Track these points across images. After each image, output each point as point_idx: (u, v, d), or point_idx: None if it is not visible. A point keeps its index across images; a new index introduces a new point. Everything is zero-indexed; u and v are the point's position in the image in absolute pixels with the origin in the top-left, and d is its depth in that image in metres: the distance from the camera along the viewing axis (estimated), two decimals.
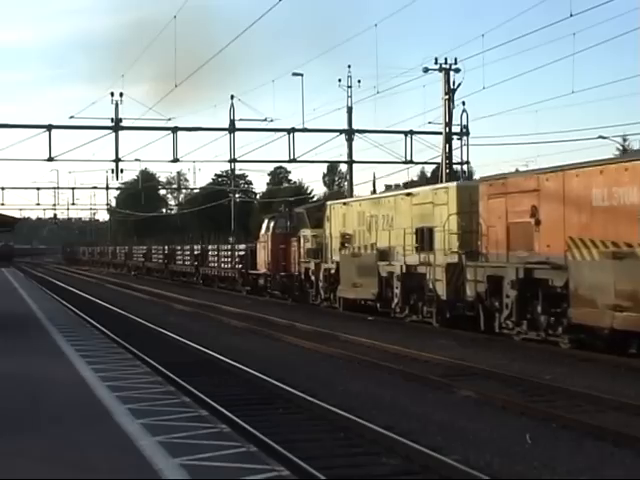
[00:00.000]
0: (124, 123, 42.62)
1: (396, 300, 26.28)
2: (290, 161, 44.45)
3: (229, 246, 47.83)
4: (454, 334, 22.55)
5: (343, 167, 73.59)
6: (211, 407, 12.30)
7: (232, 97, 44.52)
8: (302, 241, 34.09)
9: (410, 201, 26.40)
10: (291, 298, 35.38)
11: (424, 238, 25.16)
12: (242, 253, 42.87)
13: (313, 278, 32.76)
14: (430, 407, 13.25)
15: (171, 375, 15.14)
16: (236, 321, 27.38)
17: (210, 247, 51.78)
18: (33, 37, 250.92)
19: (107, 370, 14.46)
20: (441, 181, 40.21)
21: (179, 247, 59.22)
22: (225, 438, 9.59)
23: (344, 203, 32.03)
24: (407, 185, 36.28)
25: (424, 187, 29.37)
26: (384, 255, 27.28)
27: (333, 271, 30.93)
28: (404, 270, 25.75)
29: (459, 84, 39.34)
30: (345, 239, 30.34)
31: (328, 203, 33.18)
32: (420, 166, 62.65)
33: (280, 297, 36.90)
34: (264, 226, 38.89)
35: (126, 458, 8.61)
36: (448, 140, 40.48)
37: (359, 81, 44.00)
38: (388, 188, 31.71)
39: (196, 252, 53.96)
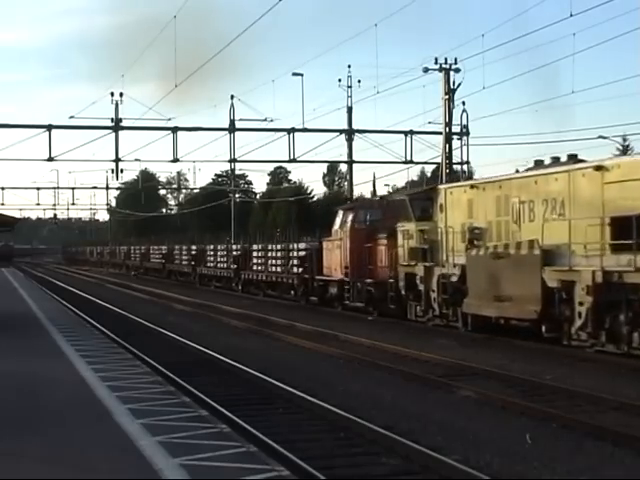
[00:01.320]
0: (124, 123, 42.73)
1: (580, 322, 18.35)
2: (290, 161, 44.50)
3: (278, 246, 39.29)
4: (454, 334, 22.55)
5: (343, 167, 73.83)
6: (211, 407, 12.30)
7: (232, 97, 44.64)
8: (401, 238, 26.21)
9: (601, 178, 18.50)
10: (376, 312, 28.01)
11: (629, 231, 17.25)
12: (302, 254, 34.92)
13: (421, 287, 24.61)
14: (430, 407, 13.24)
15: (171, 375, 15.14)
16: (236, 321, 27.38)
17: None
18: (33, 37, 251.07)
19: (107, 370, 14.45)
20: (441, 181, 40.30)
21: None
22: (225, 438, 9.59)
23: (471, 186, 23.91)
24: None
25: (626, 157, 22.70)
26: (550, 257, 19.56)
27: (455, 278, 23.21)
28: (598, 279, 17.87)
29: (459, 84, 39.34)
30: (474, 234, 22.79)
31: (442, 187, 25.38)
32: (420, 166, 62.90)
33: (361, 310, 28.75)
34: (337, 220, 31.17)
35: (126, 458, 8.60)
36: (448, 140, 40.47)
37: (359, 81, 44.08)
38: (538, 164, 22.10)
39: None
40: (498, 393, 13.89)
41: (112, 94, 42.14)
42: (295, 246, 36.49)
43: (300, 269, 34.90)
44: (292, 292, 36.38)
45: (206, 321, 28.59)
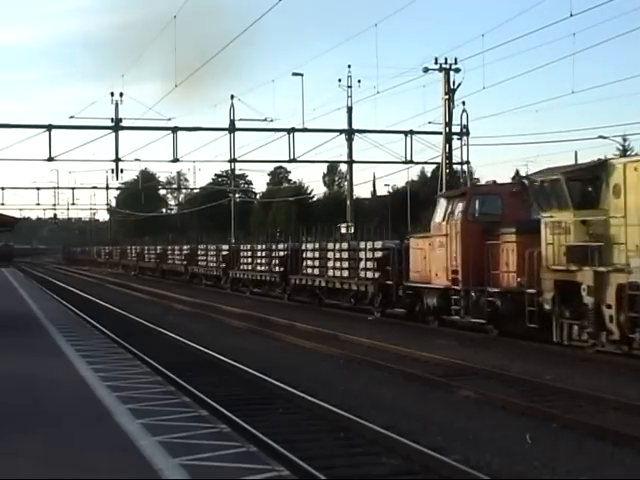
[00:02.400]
0: (124, 123, 42.72)
1: None
2: (290, 161, 44.51)
3: (343, 245, 32.54)
4: (454, 334, 22.55)
5: (343, 167, 73.79)
6: (211, 407, 12.29)
7: (232, 97, 44.65)
8: (548, 233, 19.62)
9: None
10: (497, 330, 21.84)
11: None
12: (379, 255, 28.53)
13: (588, 301, 18.09)
14: (430, 407, 13.24)
15: (171, 375, 15.13)
16: (236, 321, 27.37)
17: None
18: (33, 37, 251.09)
19: (107, 370, 14.45)
20: (441, 181, 40.30)
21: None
22: (225, 438, 9.59)
23: None
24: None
25: None
26: None
27: None
28: None
29: (459, 84, 39.39)
30: None
31: (618, 162, 18.98)
32: (420, 166, 62.91)
33: (475, 328, 22.57)
34: (439, 211, 24.48)
35: (126, 458, 8.60)
36: (448, 140, 40.49)
37: (359, 81, 44.09)
38: None
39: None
40: (498, 393, 13.89)
41: (112, 94, 42.20)
42: (367, 245, 29.78)
43: (378, 273, 28.09)
44: (352, 300, 30.63)
45: (206, 321, 28.57)
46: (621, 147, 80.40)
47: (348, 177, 49.06)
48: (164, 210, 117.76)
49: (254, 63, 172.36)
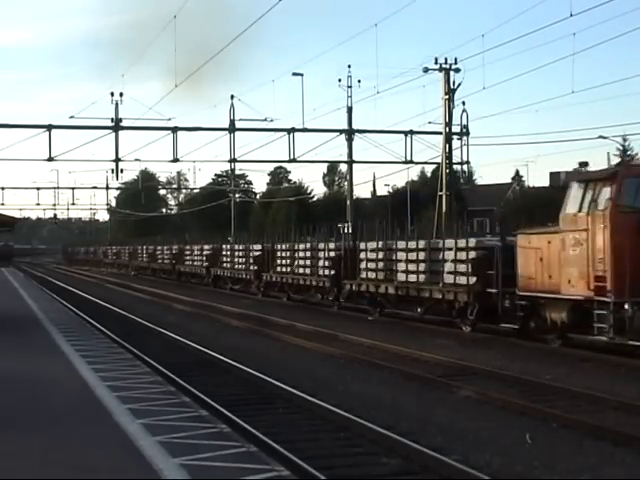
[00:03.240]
0: (124, 123, 42.73)
1: None
2: (290, 161, 44.53)
3: (418, 243, 26.69)
4: (454, 334, 22.55)
5: (343, 167, 73.84)
6: (211, 407, 12.29)
7: (232, 97, 44.67)
8: None
9: None
10: None
11: None
12: (474, 255, 23.40)
13: None
14: (430, 407, 13.24)
15: (171, 375, 15.13)
16: (236, 321, 27.36)
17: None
18: (33, 37, 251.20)
19: (107, 370, 14.44)
20: (441, 181, 40.31)
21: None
22: (225, 438, 9.58)
23: None
24: None
25: None
26: None
27: None
28: None
29: (459, 84, 39.45)
30: None
31: None
32: (420, 166, 62.90)
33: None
34: (572, 199, 19.23)
35: (126, 458, 8.60)
36: (448, 140, 40.52)
37: (359, 81, 44.10)
38: None
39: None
40: (498, 393, 13.89)
41: (112, 94, 42.20)
42: (456, 243, 24.21)
43: (472, 279, 22.88)
44: (420, 310, 26.16)
45: (206, 321, 28.57)
46: (621, 147, 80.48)
47: (348, 177, 49.06)
48: (164, 210, 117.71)
49: (254, 63, 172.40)
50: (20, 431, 9.82)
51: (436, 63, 39.29)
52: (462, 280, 23.37)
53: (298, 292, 36.15)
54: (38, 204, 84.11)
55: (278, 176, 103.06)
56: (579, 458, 10.07)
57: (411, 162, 46.01)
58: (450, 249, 24.34)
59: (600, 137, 48.13)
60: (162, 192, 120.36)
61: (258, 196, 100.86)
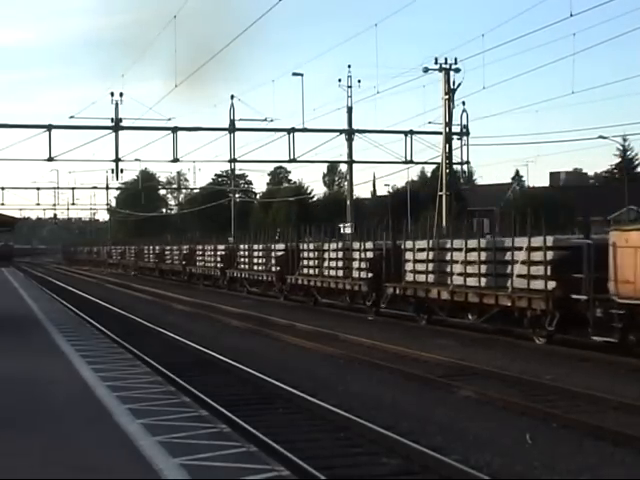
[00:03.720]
0: (124, 123, 42.71)
1: None
2: (290, 161, 44.52)
3: (475, 242, 23.86)
4: (454, 334, 22.54)
5: (343, 167, 73.86)
6: (211, 407, 12.30)
7: (232, 97, 44.67)
8: None
9: None
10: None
11: None
12: (554, 256, 20.59)
13: None
14: (430, 407, 13.24)
15: (171, 375, 15.13)
16: (236, 321, 27.36)
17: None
18: (33, 37, 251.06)
19: (107, 370, 14.44)
20: (441, 181, 40.31)
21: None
22: (225, 438, 9.58)
23: None
24: None
25: None
26: None
27: None
28: None
29: (459, 84, 39.45)
30: None
31: None
32: (420, 166, 62.92)
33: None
34: None
35: (126, 458, 8.60)
36: (448, 140, 40.52)
37: (359, 81, 44.09)
38: None
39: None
40: (498, 393, 13.89)
41: (112, 94, 42.19)
42: (530, 241, 21.20)
43: (551, 283, 20.16)
44: (470, 316, 23.54)
45: (206, 321, 28.57)
46: (621, 147, 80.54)
47: (348, 177, 49.05)
48: (164, 210, 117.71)
49: (254, 63, 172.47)
50: (20, 431, 9.82)
51: (436, 63, 39.31)
52: (538, 285, 20.56)
53: (327, 296, 33.03)
54: (38, 204, 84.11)
55: (278, 176, 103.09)
56: (579, 458, 10.08)
57: (411, 162, 46.01)
58: (520, 249, 21.47)
59: (600, 137, 48.12)
60: (162, 192, 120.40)
61: (258, 196, 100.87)
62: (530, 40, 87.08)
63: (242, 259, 43.17)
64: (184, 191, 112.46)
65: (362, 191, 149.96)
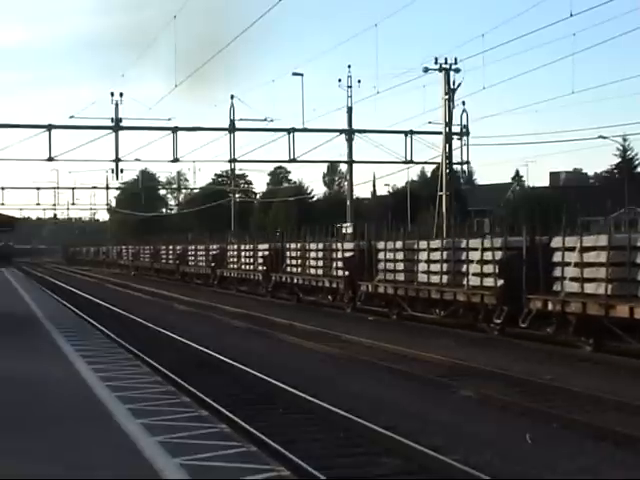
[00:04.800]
0: (124, 123, 42.69)
1: None
2: (290, 161, 44.51)
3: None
4: (454, 334, 22.53)
5: (343, 167, 73.73)
6: (211, 407, 12.30)
7: (232, 97, 44.68)
8: None
9: None
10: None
11: None
12: None
13: None
14: (430, 407, 13.24)
15: (171, 375, 15.13)
16: (237, 321, 27.36)
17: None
18: (33, 37, 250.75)
19: (107, 370, 14.43)
20: (441, 181, 40.29)
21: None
22: (225, 438, 9.58)
23: None
24: None
25: None
26: None
27: None
28: None
29: (459, 84, 39.43)
30: None
31: None
32: (420, 166, 62.91)
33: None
34: None
35: (126, 458, 8.60)
36: (448, 140, 40.50)
37: (359, 81, 44.05)
38: None
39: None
40: (498, 393, 13.89)
41: (112, 94, 42.18)
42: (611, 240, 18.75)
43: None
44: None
45: (206, 321, 28.57)
46: (621, 147, 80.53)
47: (348, 177, 49.03)
48: (164, 210, 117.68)
49: (254, 63, 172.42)
50: (20, 431, 9.81)
51: (436, 63, 39.28)
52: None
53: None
54: (38, 204, 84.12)
55: (278, 176, 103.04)
56: (580, 458, 10.07)
57: (411, 162, 46.00)
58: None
59: (600, 137, 48.16)
60: (162, 192, 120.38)
61: (258, 196, 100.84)
62: (530, 40, 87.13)
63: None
64: (184, 191, 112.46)
65: (362, 191, 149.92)
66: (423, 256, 25.64)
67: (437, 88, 40.13)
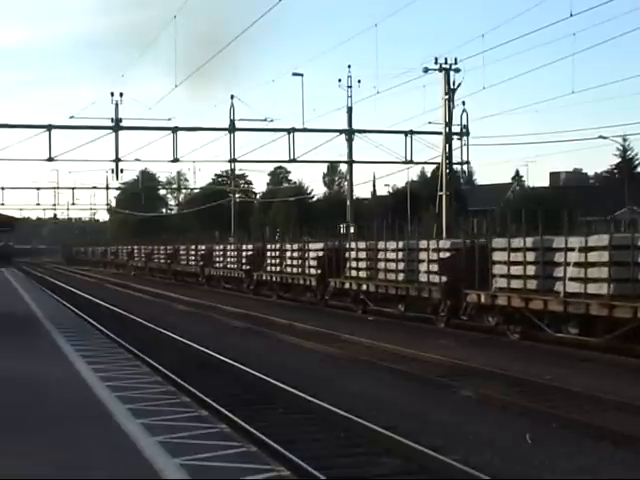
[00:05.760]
0: (124, 123, 42.70)
1: None
2: (290, 161, 44.51)
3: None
4: (454, 334, 22.55)
5: (343, 167, 73.76)
6: (211, 407, 12.30)
7: (232, 97, 44.68)
8: None
9: None
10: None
11: None
12: None
13: None
14: (430, 407, 13.24)
15: (171, 375, 15.13)
16: (236, 321, 27.37)
17: None
18: (33, 37, 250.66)
19: (107, 370, 14.44)
20: (441, 181, 40.30)
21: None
22: (225, 438, 9.58)
23: None
24: None
25: None
26: None
27: None
28: None
29: (459, 84, 39.43)
30: None
31: None
32: (420, 166, 62.88)
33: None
34: None
35: (126, 458, 8.60)
36: (448, 140, 40.49)
37: (359, 81, 44.05)
38: None
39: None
40: (498, 393, 13.89)
41: (112, 94, 42.20)
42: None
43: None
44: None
45: (206, 321, 28.57)
46: (621, 147, 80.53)
47: (348, 177, 49.03)
48: (164, 210, 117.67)
49: (254, 63, 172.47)
50: (20, 431, 9.82)
51: (436, 63, 39.28)
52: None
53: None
54: (38, 204, 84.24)
55: (278, 176, 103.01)
56: (579, 458, 10.08)
57: (411, 162, 46.00)
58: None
59: (600, 137, 48.13)
60: (162, 192, 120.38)
61: (258, 196, 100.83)
62: (530, 40, 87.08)
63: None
64: (184, 191, 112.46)
65: (362, 191, 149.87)
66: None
67: (437, 88, 40.17)
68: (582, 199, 54.97)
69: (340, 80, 44.26)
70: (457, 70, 39.38)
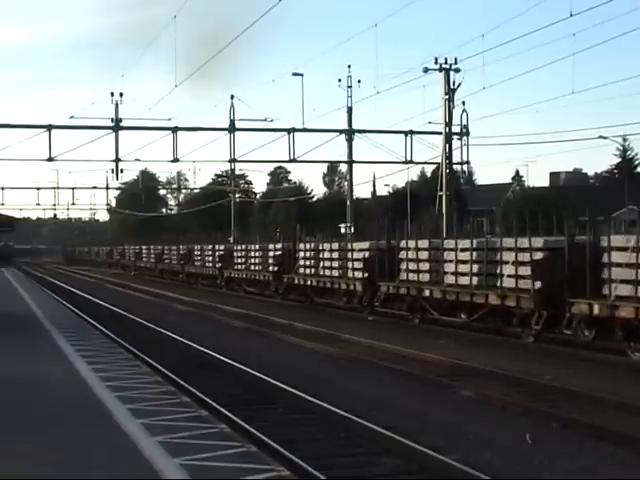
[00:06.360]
0: (124, 123, 42.68)
1: None
2: (290, 161, 44.48)
3: None
4: (454, 334, 22.54)
5: (343, 167, 73.70)
6: (211, 407, 12.30)
7: (232, 97, 44.66)
8: None
9: None
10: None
11: None
12: None
13: None
14: (430, 407, 13.24)
15: (171, 375, 15.13)
16: (236, 321, 27.37)
17: None
18: (33, 37, 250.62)
19: (107, 370, 14.44)
20: (441, 181, 40.30)
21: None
22: (225, 438, 9.58)
23: None
24: None
25: None
26: None
27: None
28: None
29: (459, 84, 39.42)
30: None
31: None
32: (420, 166, 62.87)
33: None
34: None
35: (126, 458, 8.60)
36: (448, 140, 40.48)
37: (359, 81, 44.02)
38: None
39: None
40: (498, 393, 13.89)
41: (112, 94, 42.16)
42: None
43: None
44: None
45: (206, 321, 28.57)
46: (621, 147, 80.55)
47: (348, 177, 49.01)
48: (164, 210, 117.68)
49: (254, 63, 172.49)
50: (20, 431, 9.82)
51: (436, 63, 39.27)
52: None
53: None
54: (38, 204, 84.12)
55: (278, 176, 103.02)
56: (579, 458, 10.07)
57: (411, 162, 45.95)
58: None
59: (600, 137, 48.13)
60: (162, 192, 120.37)
61: (258, 196, 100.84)
62: (530, 40, 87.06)
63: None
64: (184, 191, 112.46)
65: (362, 191, 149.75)
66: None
67: (437, 88, 40.15)
68: (582, 199, 55.02)
69: (340, 80, 44.23)
70: (457, 70, 39.38)
